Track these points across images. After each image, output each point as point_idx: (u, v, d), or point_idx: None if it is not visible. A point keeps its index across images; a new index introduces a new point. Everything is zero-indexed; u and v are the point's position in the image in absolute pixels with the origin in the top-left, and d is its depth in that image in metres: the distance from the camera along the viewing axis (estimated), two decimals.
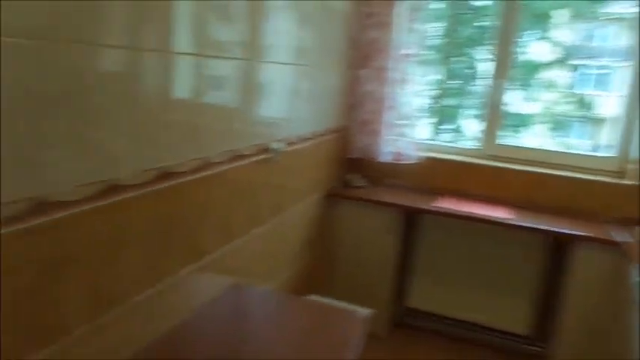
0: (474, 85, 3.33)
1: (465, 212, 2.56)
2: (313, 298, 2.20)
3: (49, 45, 0.96)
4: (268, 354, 1.43)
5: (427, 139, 3.10)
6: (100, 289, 1.19)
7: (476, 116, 3.19)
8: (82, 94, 1.05)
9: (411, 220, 2.82)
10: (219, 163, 1.62)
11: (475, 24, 3.35)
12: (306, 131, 2.36)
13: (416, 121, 2.87)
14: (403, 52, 2.76)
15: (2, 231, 0.92)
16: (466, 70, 3.43)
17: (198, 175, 1.51)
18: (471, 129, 3.32)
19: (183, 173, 1.44)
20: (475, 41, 3.36)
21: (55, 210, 1.03)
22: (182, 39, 1.36)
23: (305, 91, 2.27)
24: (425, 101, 2.99)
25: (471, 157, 2.94)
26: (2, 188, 0.91)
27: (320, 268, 2.77)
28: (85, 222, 1.11)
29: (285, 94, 2.07)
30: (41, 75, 0.95)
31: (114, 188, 1.18)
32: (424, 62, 2.85)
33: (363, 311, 1.94)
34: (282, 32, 1.95)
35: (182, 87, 1.40)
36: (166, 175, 1.36)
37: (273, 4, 1.82)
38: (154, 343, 1.39)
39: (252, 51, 1.73)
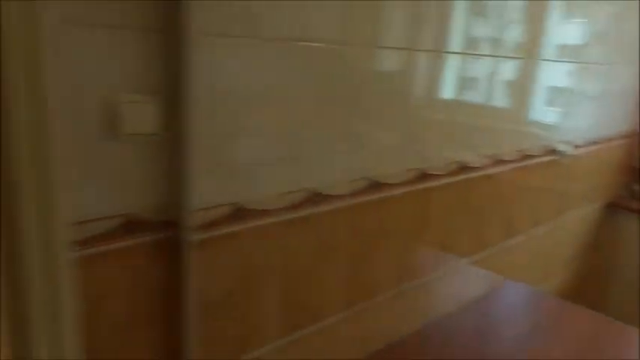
0: None
1: None
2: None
3: (342, 49, 1.07)
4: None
5: None
6: (402, 263, 1.39)
7: None
8: (361, 94, 1.13)
9: None
10: (508, 161, 1.67)
11: None
12: (593, 134, 2.21)
13: None
14: None
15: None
16: None
17: (490, 171, 1.59)
18: None
19: (477, 168, 1.54)
20: None
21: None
22: (455, 39, 1.35)
23: (593, 92, 2.12)
24: None
25: None
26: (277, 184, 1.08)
27: (591, 281, 2.57)
28: (401, 203, 1.31)
29: (570, 95, 1.98)
30: (332, 75, 1.07)
31: (423, 175, 1.35)
32: None
33: None
34: (565, 29, 1.81)
35: (462, 87, 1.43)
36: (463, 168, 1.48)
37: (556, 3, 1.71)
38: (421, 328, 1.52)
39: (531, 50, 1.66)
